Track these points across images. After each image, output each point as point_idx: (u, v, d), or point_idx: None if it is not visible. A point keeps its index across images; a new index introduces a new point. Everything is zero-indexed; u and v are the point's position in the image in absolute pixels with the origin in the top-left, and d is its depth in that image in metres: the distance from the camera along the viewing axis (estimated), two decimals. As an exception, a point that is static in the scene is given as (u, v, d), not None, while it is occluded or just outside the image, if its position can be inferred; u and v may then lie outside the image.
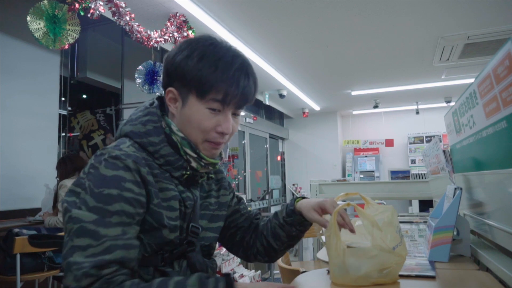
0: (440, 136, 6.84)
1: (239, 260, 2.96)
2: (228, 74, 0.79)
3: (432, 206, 2.45)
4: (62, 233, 2.52)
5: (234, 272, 2.78)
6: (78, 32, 2.42)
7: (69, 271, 0.67)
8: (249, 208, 1.09)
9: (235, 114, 0.86)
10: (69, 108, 5.09)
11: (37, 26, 2.26)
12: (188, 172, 0.85)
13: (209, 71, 0.79)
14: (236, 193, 1.09)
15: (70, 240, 0.70)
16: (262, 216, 1.10)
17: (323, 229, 0.95)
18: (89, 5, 2.31)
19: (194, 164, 0.85)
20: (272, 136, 7.23)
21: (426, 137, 7.43)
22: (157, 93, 3.23)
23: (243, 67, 0.82)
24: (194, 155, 0.84)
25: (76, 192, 0.75)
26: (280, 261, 2.18)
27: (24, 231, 2.58)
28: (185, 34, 3.07)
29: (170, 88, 0.84)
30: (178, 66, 0.81)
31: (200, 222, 0.89)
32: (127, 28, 2.63)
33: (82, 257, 0.68)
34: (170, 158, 0.83)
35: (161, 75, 0.87)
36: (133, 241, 0.73)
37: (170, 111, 0.87)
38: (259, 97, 5.34)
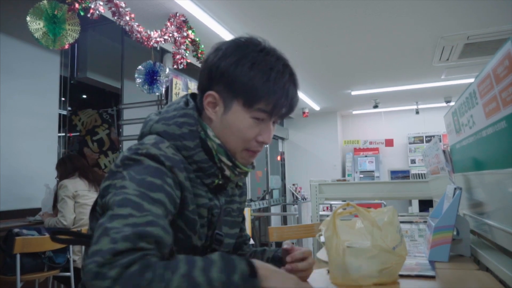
0: (440, 136, 6.84)
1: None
2: (280, 85, 0.77)
3: (432, 206, 2.45)
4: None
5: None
6: (78, 32, 2.41)
7: (105, 235, 0.60)
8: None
9: (274, 122, 0.84)
10: (69, 108, 5.09)
11: (36, 26, 2.26)
12: (220, 181, 0.82)
13: (261, 80, 0.76)
14: None
15: (110, 210, 0.64)
16: (248, 242, 1.07)
17: (323, 229, 0.95)
18: (89, 5, 2.31)
19: (227, 172, 0.82)
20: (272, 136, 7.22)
21: (426, 137, 7.42)
22: (157, 93, 3.23)
23: (292, 78, 0.81)
24: (229, 164, 0.81)
25: (112, 184, 0.71)
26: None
27: (24, 231, 2.58)
28: (185, 34, 3.07)
29: (210, 92, 0.80)
30: (225, 71, 0.78)
31: (222, 229, 0.87)
32: (127, 28, 2.63)
33: (121, 224, 0.61)
34: (203, 165, 0.79)
35: (200, 77, 0.84)
36: (170, 229, 0.67)
37: (206, 115, 0.82)
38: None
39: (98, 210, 0.77)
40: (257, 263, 0.64)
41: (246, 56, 0.78)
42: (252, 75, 0.76)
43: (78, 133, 5.38)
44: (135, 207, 0.64)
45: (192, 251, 0.79)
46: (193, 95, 0.88)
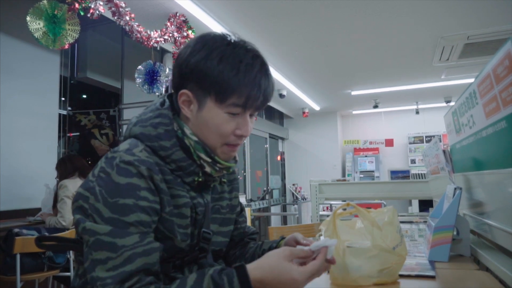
0: (440, 136, 6.84)
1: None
2: (250, 77, 0.76)
3: (432, 206, 2.45)
4: (64, 234, 2.52)
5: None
6: (78, 32, 2.41)
7: (95, 286, 0.68)
8: (248, 223, 1.06)
9: (251, 115, 0.82)
10: (69, 108, 5.08)
11: (36, 26, 2.26)
12: (201, 179, 0.82)
13: (231, 74, 0.75)
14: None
15: (89, 253, 0.70)
16: (256, 237, 1.06)
17: (323, 229, 0.95)
18: (89, 5, 2.31)
19: (208, 169, 0.82)
20: (272, 136, 7.23)
21: (426, 137, 7.43)
22: (157, 93, 3.23)
23: (263, 69, 0.79)
24: (209, 160, 0.81)
25: (85, 196, 0.73)
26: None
27: (24, 231, 2.57)
28: (185, 34, 3.07)
29: (184, 91, 0.79)
30: (195, 67, 0.77)
31: (211, 227, 0.86)
32: (127, 28, 2.63)
33: (103, 271, 0.67)
34: (182, 164, 0.79)
35: (172, 75, 0.84)
36: (152, 245, 0.72)
37: (182, 114, 0.82)
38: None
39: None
40: (254, 276, 0.67)
41: (214, 50, 0.76)
42: (221, 69, 0.75)
43: (78, 134, 5.37)
44: (109, 248, 0.68)
45: (178, 253, 0.79)
46: (170, 95, 0.87)
